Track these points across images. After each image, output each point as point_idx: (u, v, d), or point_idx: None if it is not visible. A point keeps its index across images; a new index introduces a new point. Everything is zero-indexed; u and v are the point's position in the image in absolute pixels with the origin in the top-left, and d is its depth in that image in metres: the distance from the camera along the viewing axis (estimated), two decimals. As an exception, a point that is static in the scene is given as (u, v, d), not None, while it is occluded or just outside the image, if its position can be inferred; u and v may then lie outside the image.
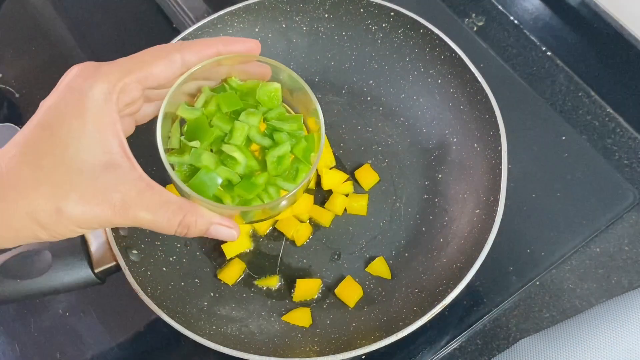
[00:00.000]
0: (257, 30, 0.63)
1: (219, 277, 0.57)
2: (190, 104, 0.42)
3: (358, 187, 0.61)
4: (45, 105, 0.36)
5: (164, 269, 0.55)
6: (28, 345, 0.58)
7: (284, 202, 0.43)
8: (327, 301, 0.56)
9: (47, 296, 0.51)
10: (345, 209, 0.60)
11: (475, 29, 0.73)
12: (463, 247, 0.53)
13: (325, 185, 0.60)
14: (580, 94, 0.68)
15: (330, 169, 0.61)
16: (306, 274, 0.57)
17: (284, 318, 0.55)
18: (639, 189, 0.62)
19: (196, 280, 0.56)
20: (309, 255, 0.58)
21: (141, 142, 0.60)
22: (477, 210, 0.54)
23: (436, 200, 0.59)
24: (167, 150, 0.41)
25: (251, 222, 0.48)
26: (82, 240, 0.51)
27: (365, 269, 0.57)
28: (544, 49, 0.71)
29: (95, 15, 0.78)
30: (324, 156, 0.61)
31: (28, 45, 0.75)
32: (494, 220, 0.51)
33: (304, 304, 0.56)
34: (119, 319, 0.59)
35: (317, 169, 0.60)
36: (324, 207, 0.59)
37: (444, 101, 0.61)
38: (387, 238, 0.59)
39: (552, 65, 0.70)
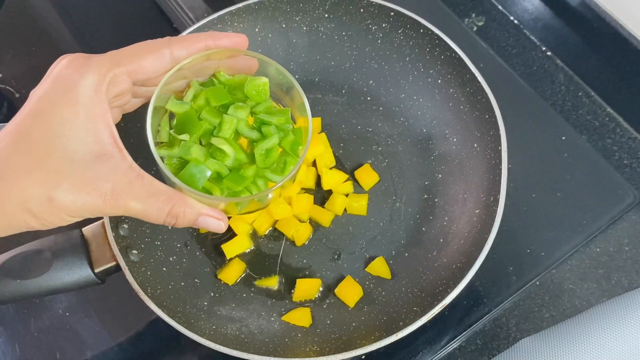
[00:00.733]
0: (257, 30, 0.63)
1: (219, 277, 0.57)
2: (179, 98, 0.43)
3: (358, 187, 0.61)
4: (35, 95, 0.37)
5: (164, 269, 0.55)
6: (28, 345, 0.58)
7: (271, 194, 0.44)
8: (327, 301, 0.56)
9: (47, 296, 0.51)
10: (345, 209, 0.60)
11: (475, 29, 0.73)
12: (463, 247, 0.53)
13: (325, 185, 0.60)
14: (580, 94, 0.68)
15: (330, 169, 0.61)
16: (306, 274, 0.57)
17: (284, 318, 0.55)
18: (639, 189, 0.62)
19: (196, 280, 0.56)
20: (309, 255, 0.58)
21: (141, 142, 0.60)
22: (477, 210, 0.54)
23: (436, 200, 0.59)
24: (157, 144, 0.41)
25: (240, 214, 0.49)
26: (82, 240, 0.51)
27: (365, 269, 0.57)
28: (544, 49, 0.71)
29: (95, 15, 0.78)
30: (324, 156, 0.61)
31: (28, 46, 0.75)
32: (494, 220, 0.51)
33: (304, 304, 0.56)
34: (119, 319, 0.59)
35: (317, 169, 0.61)
36: (324, 207, 0.59)
37: (444, 101, 0.61)
38: (387, 238, 0.59)
39: (552, 65, 0.70)
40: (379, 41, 0.63)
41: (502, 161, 0.53)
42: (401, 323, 0.49)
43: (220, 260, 0.58)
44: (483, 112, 0.56)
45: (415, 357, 0.55)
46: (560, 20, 0.70)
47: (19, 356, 0.57)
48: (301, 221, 0.59)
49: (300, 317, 0.54)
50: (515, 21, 0.73)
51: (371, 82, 0.65)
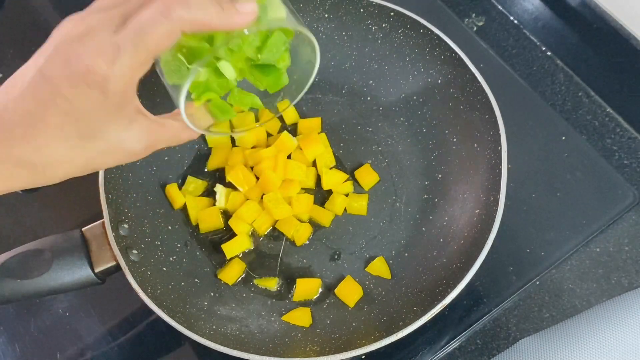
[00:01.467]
0: (257, 30, 0.63)
1: (219, 277, 0.57)
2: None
3: (358, 187, 0.61)
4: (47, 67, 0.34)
5: (164, 269, 0.55)
6: (28, 345, 0.58)
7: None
8: (327, 301, 0.56)
9: (47, 296, 0.51)
10: (345, 209, 0.60)
11: (475, 29, 0.73)
12: (463, 247, 0.53)
13: (325, 185, 0.60)
14: (580, 94, 0.68)
15: (330, 168, 0.61)
16: (306, 274, 0.57)
17: (284, 318, 0.55)
18: (639, 189, 0.62)
19: (196, 280, 0.56)
20: (309, 255, 0.58)
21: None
22: (477, 210, 0.54)
23: (436, 200, 0.59)
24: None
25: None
26: (82, 240, 0.51)
27: (365, 269, 0.57)
28: (544, 49, 0.71)
29: (95, 15, 0.78)
30: (324, 156, 0.61)
31: (28, 46, 0.75)
32: (494, 220, 0.51)
33: (304, 304, 0.56)
34: (119, 319, 0.59)
35: (317, 169, 0.61)
36: (324, 207, 0.59)
37: (444, 101, 0.61)
38: (387, 238, 0.59)
39: (552, 65, 0.70)
40: (379, 41, 0.63)
41: (502, 161, 0.53)
42: (401, 323, 0.49)
43: (220, 260, 0.58)
44: (483, 112, 0.56)
45: (415, 357, 0.55)
46: (560, 20, 0.70)
47: (19, 356, 0.57)
48: (301, 221, 0.59)
49: (300, 317, 0.54)
50: (515, 21, 0.73)
51: (371, 82, 0.65)
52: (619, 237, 0.60)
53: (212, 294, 0.56)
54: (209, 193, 0.61)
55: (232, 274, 0.57)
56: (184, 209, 0.60)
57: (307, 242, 0.59)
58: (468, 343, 0.56)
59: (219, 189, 0.60)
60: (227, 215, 0.59)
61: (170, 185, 0.60)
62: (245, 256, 0.58)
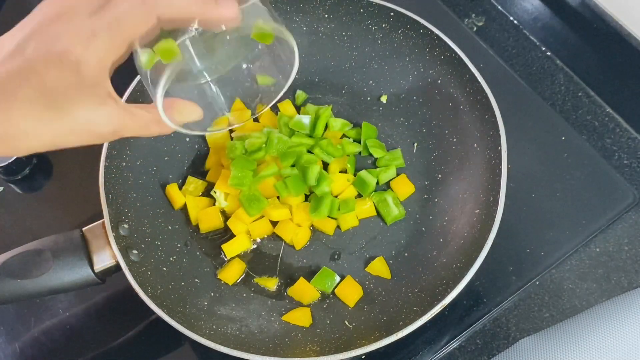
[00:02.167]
0: (257, 30, 0.64)
1: (219, 277, 0.57)
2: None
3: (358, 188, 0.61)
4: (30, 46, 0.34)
5: (164, 269, 0.55)
6: (28, 345, 0.58)
7: None
8: (327, 301, 0.56)
9: (47, 296, 0.51)
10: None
11: (475, 29, 0.73)
12: (463, 247, 0.53)
13: (335, 191, 0.59)
14: (580, 94, 0.68)
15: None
16: (306, 274, 0.57)
17: (284, 318, 0.55)
18: (639, 189, 0.62)
19: (196, 280, 0.56)
20: (309, 255, 0.58)
21: (141, 143, 0.60)
22: (477, 210, 0.54)
23: (436, 200, 0.59)
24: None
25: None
26: (82, 240, 0.51)
27: (365, 269, 0.57)
28: (543, 49, 0.71)
29: (95, 15, 0.78)
30: (338, 160, 0.61)
31: (28, 45, 0.75)
32: (493, 220, 0.51)
33: (304, 304, 0.56)
34: (119, 319, 0.59)
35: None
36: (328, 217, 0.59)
37: (443, 101, 0.61)
38: (387, 238, 0.59)
39: (552, 65, 0.70)
40: (379, 41, 0.63)
41: (502, 161, 0.53)
42: (401, 323, 0.49)
43: (220, 260, 0.58)
44: (483, 112, 0.56)
45: (415, 357, 0.55)
46: (560, 20, 0.70)
47: (19, 356, 0.57)
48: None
49: (300, 317, 0.54)
50: (515, 21, 0.73)
51: (371, 82, 0.65)
52: (619, 237, 0.60)
53: (212, 294, 0.56)
54: (209, 193, 0.61)
55: (232, 274, 0.57)
56: (184, 209, 0.60)
57: (307, 242, 0.59)
58: (468, 343, 0.56)
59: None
60: (227, 215, 0.59)
61: (170, 185, 0.60)
62: (245, 256, 0.58)
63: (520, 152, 0.63)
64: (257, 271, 0.58)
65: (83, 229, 0.52)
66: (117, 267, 0.51)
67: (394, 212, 0.58)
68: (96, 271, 0.50)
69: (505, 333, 0.56)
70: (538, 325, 0.56)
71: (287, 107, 0.64)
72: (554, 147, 0.64)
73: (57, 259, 0.49)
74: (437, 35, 0.59)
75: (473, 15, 0.74)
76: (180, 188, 0.60)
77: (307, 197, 0.60)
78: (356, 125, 0.64)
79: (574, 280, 0.58)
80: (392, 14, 0.61)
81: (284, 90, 0.44)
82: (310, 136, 0.61)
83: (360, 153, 0.62)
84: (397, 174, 0.61)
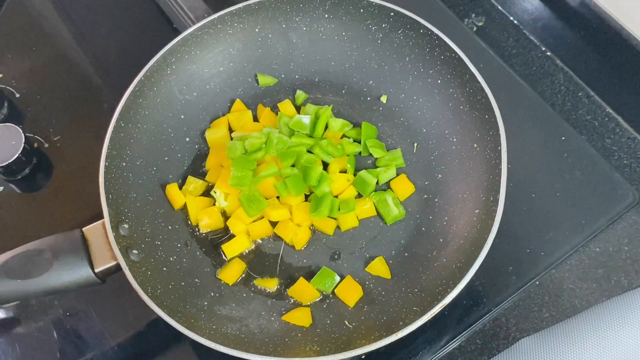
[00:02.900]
0: (257, 30, 0.64)
1: (219, 277, 0.57)
2: None
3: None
4: None
5: (164, 269, 0.55)
6: (28, 345, 0.58)
7: None
8: (327, 301, 0.56)
9: (47, 296, 0.51)
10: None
11: (475, 29, 0.73)
12: (463, 247, 0.53)
13: (335, 191, 0.59)
14: (580, 94, 0.68)
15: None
16: (306, 274, 0.57)
17: (284, 318, 0.55)
18: (639, 189, 0.62)
19: (196, 280, 0.56)
20: (309, 255, 0.58)
21: (141, 143, 0.60)
22: (477, 210, 0.54)
23: (436, 200, 0.59)
24: None
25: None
26: (82, 240, 0.51)
27: (365, 269, 0.57)
28: (543, 49, 0.71)
29: (95, 15, 0.78)
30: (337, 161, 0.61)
31: (28, 46, 0.75)
32: (493, 220, 0.51)
33: (304, 303, 0.56)
34: (119, 319, 0.59)
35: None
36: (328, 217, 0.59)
37: (444, 101, 0.61)
38: (387, 238, 0.59)
39: (552, 65, 0.70)
40: (379, 41, 0.63)
41: (502, 161, 0.53)
42: (401, 323, 0.49)
43: (220, 260, 0.58)
44: (483, 112, 0.56)
45: (415, 356, 0.55)
46: (560, 20, 0.70)
47: (19, 356, 0.57)
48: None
49: (300, 317, 0.54)
50: (515, 21, 0.73)
51: (371, 82, 0.65)
52: (619, 237, 0.60)
53: (212, 294, 0.56)
54: (209, 193, 0.61)
55: (232, 274, 0.57)
56: (184, 209, 0.60)
57: (307, 242, 0.59)
58: (468, 343, 0.56)
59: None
60: (227, 215, 0.59)
61: (170, 185, 0.60)
62: (245, 256, 0.58)
63: (520, 152, 0.63)
64: (257, 271, 0.58)
65: (83, 229, 0.52)
66: (117, 267, 0.51)
67: (394, 212, 0.58)
68: (96, 271, 0.50)
69: (505, 333, 0.56)
70: (538, 325, 0.56)
71: (287, 107, 0.64)
72: (554, 147, 0.64)
73: (57, 259, 0.49)
74: (437, 35, 0.59)
75: (473, 15, 0.74)
76: (180, 188, 0.60)
77: (307, 197, 0.60)
78: (356, 125, 0.64)
79: (574, 280, 0.58)
80: (392, 14, 0.61)
81: None
82: (310, 136, 0.61)
83: (360, 153, 0.62)
84: (397, 174, 0.61)
